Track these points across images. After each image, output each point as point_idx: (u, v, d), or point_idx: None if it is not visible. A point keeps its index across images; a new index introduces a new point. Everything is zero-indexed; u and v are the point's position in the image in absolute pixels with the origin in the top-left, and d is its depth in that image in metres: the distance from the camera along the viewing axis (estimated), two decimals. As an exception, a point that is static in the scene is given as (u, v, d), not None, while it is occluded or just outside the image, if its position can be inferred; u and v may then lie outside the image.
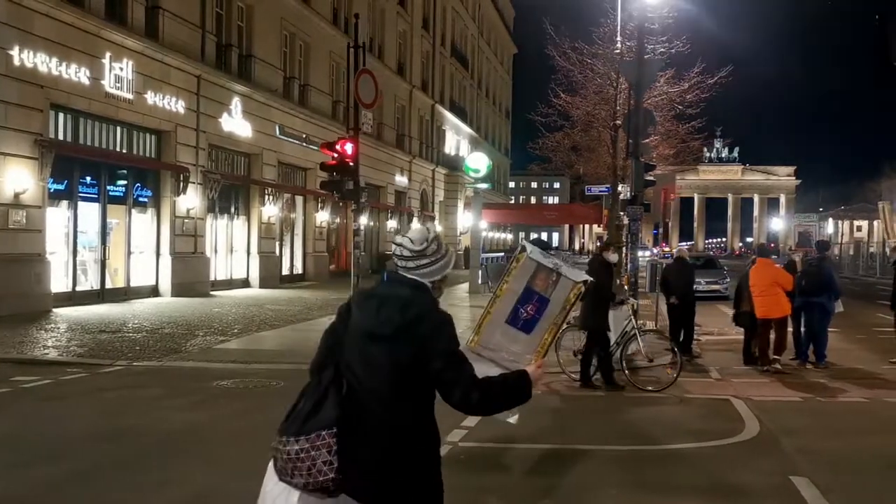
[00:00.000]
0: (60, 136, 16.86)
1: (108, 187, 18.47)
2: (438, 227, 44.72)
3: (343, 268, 29.67)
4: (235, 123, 22.99)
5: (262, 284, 24.48)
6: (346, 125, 13.02)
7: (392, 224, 37.96)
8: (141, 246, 19.81)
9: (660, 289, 13.60)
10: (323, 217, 29.52)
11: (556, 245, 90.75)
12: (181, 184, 20.30)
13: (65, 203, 17.25)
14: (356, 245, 12.08)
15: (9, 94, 14.92)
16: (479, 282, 24.61)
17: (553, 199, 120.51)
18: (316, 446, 2.61)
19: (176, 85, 20.08)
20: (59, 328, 13.65)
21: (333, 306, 18.73)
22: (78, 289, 17.46)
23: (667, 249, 46.20)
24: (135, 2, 18.82)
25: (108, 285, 18.50)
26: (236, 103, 22.93)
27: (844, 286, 15.14)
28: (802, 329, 11.92)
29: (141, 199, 19.88)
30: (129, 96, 18.19)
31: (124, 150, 19.03)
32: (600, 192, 26.33)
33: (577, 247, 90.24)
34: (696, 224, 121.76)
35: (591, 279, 3.17)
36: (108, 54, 17.42)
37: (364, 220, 31.52)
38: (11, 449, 6.50)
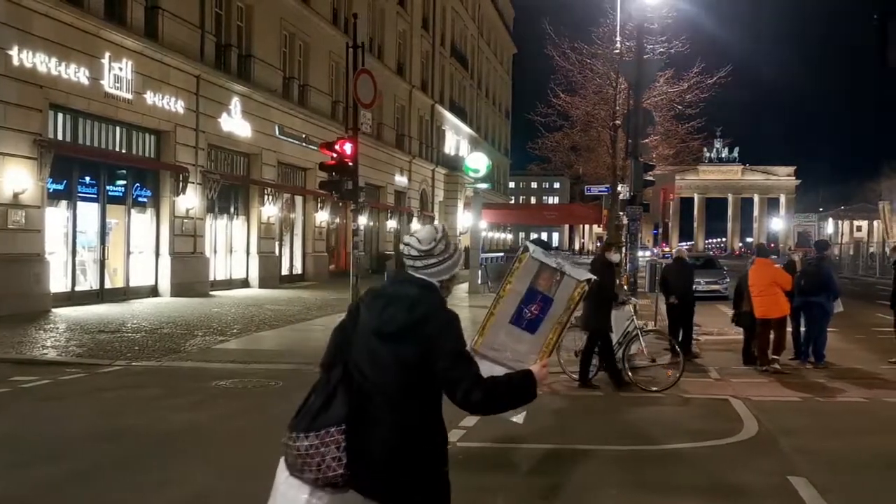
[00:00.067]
0: (60, 136, 16.86)
1: (108, 187, 18.47)
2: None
3: (343, 268, 29.69)
4: (235, 123, 22.99)
5: (262, 284, 24.48)
6: (345, 125, 13.01)
7: (392, 224, 37.97)
8: (140, 246, 19.81)
9: (659, 289, 13.60)
10: (322, 217, 29.52)
11: (556, 245, 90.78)
12: (180, 184, 20.30)
13: (64, 203, 17.25)
14: (355, 245, 12.07)
15: (8, 94, 14.92)
16: (479, 282, 24.61)
17: (553, 200, 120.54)
18: (325, 442, 2.65)
19: (175, 85, 20.08)
20: (58, 328, 13.65)
21: (333, 306, 18.83)
22: (77, 289, 17.46)
23: (666, 249, 46.21)
24: (134, 2, 18.82)
25: (108, 285, 18.50)
26: (236, 103, 22.93)
27: (844, 286, 15.17)
28: (802, 329, 11.93)
29: (140, 199, 19.88)
30: (129, 96, 18.19)
31: (123, 150, 19.03)
32: (600, 192, 26.35)
33: (577, 247, 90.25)
34: (696, 224, 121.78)
35: (595, 277, 3.17)
36: (107, 54, 17.42)
37: (363, 220, 31.54)
38: (10, 449, 6.50)
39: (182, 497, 5.47)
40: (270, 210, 25.32)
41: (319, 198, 27.89)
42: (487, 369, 2.84)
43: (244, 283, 24.35)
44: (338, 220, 31.01)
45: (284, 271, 27.38)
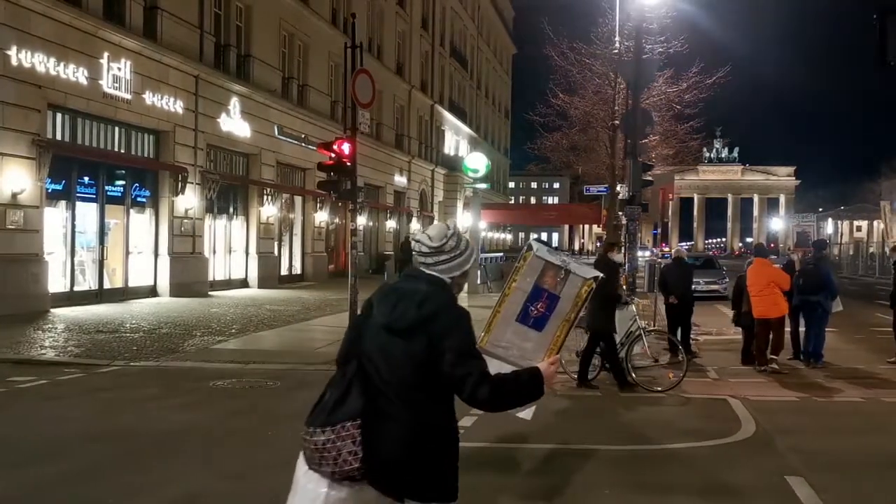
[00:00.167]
0: (58, 136, 16.84)
1: (107, 187, 18.46)
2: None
3: (342, 268, 29.68)
4: (234, 123, 22.98)
5: (261, 285, 24.46)
6: (343, 125, 12.99)
7: (391, 224, 37.94)
8: (139, 246, 19.79)
9: (658, 289, 13.60)
10: (322, 217, 29.51)
11: (556, 245, 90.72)
12: (179, 184, 20.29)
13: (63, 203, 17.23)
14: (353, 245, 12.06)
15: (6, 94, 14.90)
16: (478, 282, 24.59)
17: (553, 200, 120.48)
18: (341, 437, 2.69)
19: (174, 85, 20.07)
20: (56, 328, 13.65)
21: (332, 307, 18.81)
22: (76, 289, 17.44)
23: (666, 249, 46.24)
24: (133, 2, 18.81)
25: (106, 285, 18.48)
26: (235, 103, 22.92)
27: (844, 286, 15.20)
28: (801, 329, 11.92)
29: (139, 199, 19.87)
30: (128, 96, 18.18)
31: (122, 151, 19.02)
32: (599, 192, 26.36)
33: (576, 247, 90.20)
34: (695, 224, 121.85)
35: (602, 275, 3.17)
36: (106, 54, 17.41)
37: (363, 220, 31.57)
38: (7, 449, 6.49)
39: (178, 497, 5.46)
40: (270, 210, 25.30)
41: (319, 198, 27.87)
42: (496, 367, 2.86)
43: (243, 284, 24.33)
44: (337, 220, 30.99)
45: (284, 271, 27.36)
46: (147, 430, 7.26)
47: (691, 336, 12.78)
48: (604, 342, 9.68)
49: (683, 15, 23.50)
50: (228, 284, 23.55)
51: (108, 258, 18.53)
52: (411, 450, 2.71)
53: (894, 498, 5.77)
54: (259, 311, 17.43)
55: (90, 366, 10.51)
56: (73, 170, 17.22)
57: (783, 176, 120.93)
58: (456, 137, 51.22)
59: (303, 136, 27.14)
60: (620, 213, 18.62)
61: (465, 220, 42.02)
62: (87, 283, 18.03)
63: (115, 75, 17.73)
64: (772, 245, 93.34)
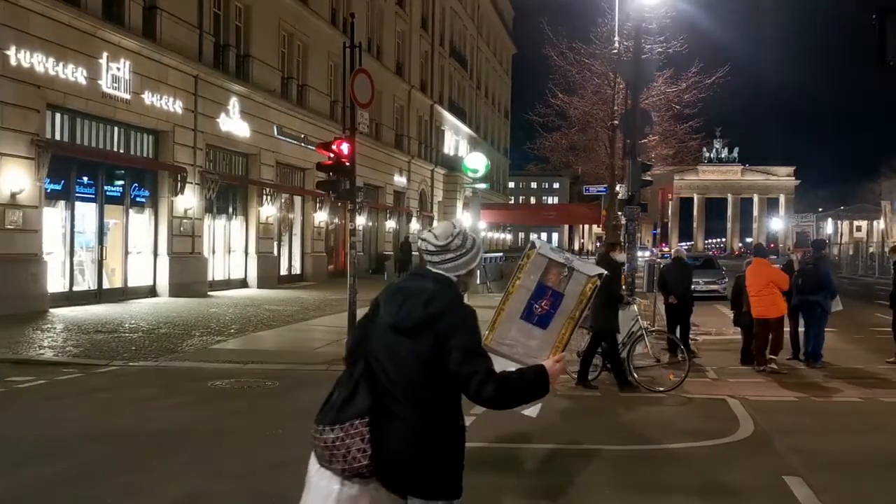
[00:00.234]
0: (57, 136, 16.83)
1: (106, 187, 18.45)
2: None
3: (342, 268, 29.67)
4: (233, 123, 22.97)
5: (260, 285, 24.45)
6: (342, 125, 12.97)
7: (391, 224, 37.93)
8: (138, 246, 19.78)
9: (657, 288, 13.60)
10: (321, 217, 29.49)
11: (556, 245, 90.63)
12: (179, 184, 20.28)
13: (62, 203, 17.22)
14: (352, 245, 12.04)
15: (5, 94, 14.89)
16: (478, 282, 24.57)
17: (553, 200, 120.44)
18: (350, 434, 2.72)
19: (173, 85, 20.06)
20: (55, 328, 13.64)
21: (331, 307, 18.79)
22: (75, 289, 17.43)
23: (666, 250, 46.24)
24: (132, 2, 18.79)
25: (106, 285, 18.47)
26: (234, 103, 22.90)
27: (843, 286, 15.21)
28: (801, 329, 11.92)
29: (138, 199, 19.86)
30: (127, 96, 18.17)
31: (122, 151, 19.01)
32: (598, 192, 26.34)
33: (576, 247, 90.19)
34: (695, 224, 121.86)
35: (606, 272, 3.17)
36: (105, 54, 17.40)
37: (362, 220, 31.55)
38: (5, 449, 6.49)
39: (177, 497, 5.46)
40: (269, 210, 25.29)
41: (318, 198, 27.85)
42: (501, 365, 2.87)
43: (242, 284, 24.32)
44: (337, 220, 30.97)
45: (283, 271, 27.34)
46: (145, 430, 7.26)
47: (690, 336, 12.78)
48: (606, 342, 9.67)
49: (683, 15, 23.50)
50: (228, 284, 23.54)
51: (107, 258, 18.52)
52: (417, 448, 2.73)
53: (893, 498, 5.77)
54: (258, 311, 17.42)
55: (89, 366, 10.51)
56: (72, 170, 17.21)
57: (783, 176, 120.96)
58: (455, 137, 51.21)
59: (302, 136, 27.13)
60: (620, 213, 18.60)
61: (464, 220, 42.00)
62: (86, 283, 18.02)
63: (115, 75, 17.71)
64: (771, 245, 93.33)
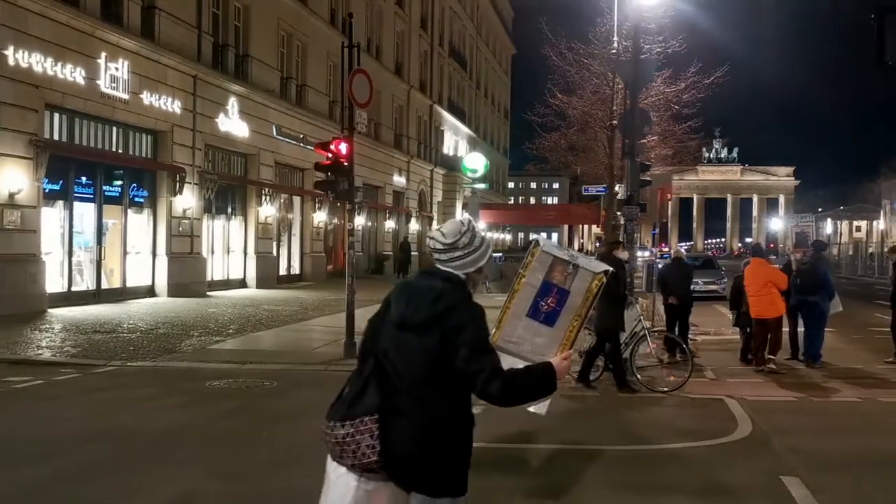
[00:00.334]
0: (56, 137, 16.81)
1: (104, 187, 18.44)
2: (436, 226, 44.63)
3: (341, 268, 29.61)
4: (232, 124, 22.95)
5: (259, 285, 24.43)
6: (341, 125, 12.97)
7: (390, 224, 37.91)
8: (137, 246, 19.78)
9: (657, 288, 13.58)
10: (320, 217, 29.48)
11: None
12: (177, 184, 20.27)
13: (60, 203, 17.21)
14: (351, 245, 12.03)
15: (3, 93, 14.87)
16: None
17: (552, 200, 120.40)
18: (360, 430, 2.75)
19: (172, 85, 20.04)
20: (53, 328, 13.63)
21: (330, 307, 18.78)
22: (73, 289, 17.42)
23: (665, 250, 46.25)
24: (130, 1, 18.77)
25: (104, 286, 18.46)
26: (233, 103, 22.89)
27: (843, 286, 15.21)
28: (800, 329, 11.90)
29: (137, 199, 19.85)
30: (125, 96, 18.16)
31: (120, 151, 19.00)
32: (597, 192, 26.32)
33: (576, 247, 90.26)
34: (695, 224, 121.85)
35: (611, 269, 3.17)
36: (103, 54, 17.38)
37: (361, 220, 31.53)
38: (3, 449, 6.48)
39: (175, 497, 5.46)
40: (268, 210, 25.28)
41: (317, 198, 27.83)
42: (509, 363, 2.88)
43: (241, 284, 24.30)
44: (336, 220, 30.96)
45: (282, 272, 27.33)
46: (143, 430, 7.25)
47: (689, 336, 12.77)
48: (609, 342, 9.63)
49: (682, 15, 23.46)
50: (226, 284, 23.52)
51: (105, 258, 18.51)
52: (421, 445, 2.75)
53: (891, 498, 5.76)
54: (257, 312, 17.41)
55: (87, 366, 10.49)
56: (70, 170, 17.20)
57: (782, 176, 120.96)
58: (455, 137, 51.20)
59: (301, 136, 27.13)
60: (619, 213, 18.60)
61: (457, 219, 41.94)
62: (84, 283, 18.01)
63: (113, 75, 17.70)
64: (771, 245, 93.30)
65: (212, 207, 22.77)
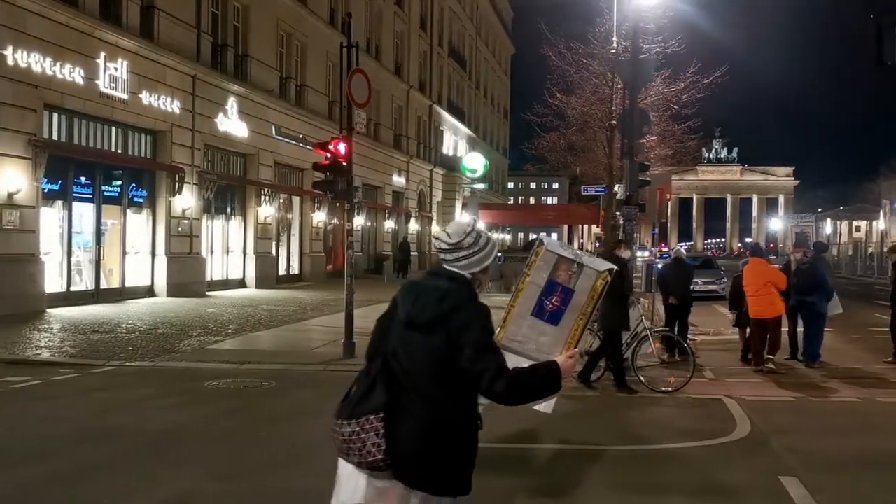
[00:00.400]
0: (55, 136, 16.80)
1: (103, 187, 18.43)
2: (436, 228, 44.65)
3: (340, 268, 29.56)
4: (231, 124, 22.94)
5: (259, 285, 24.42)
6: (340, 125, 12.97)
7: (390, 224, 37.90)
8: (136, 246, 19.77)
9: (656, 288, 13.57)
10: (320, 217, 29.47)
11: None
12: (177, 184, 20.26)
13: (59, 203, 17.20)
14: (350, 245, 12.01)
15: (2, 93, 14.86)
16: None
17: (552, 200, 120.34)
18: (365, 429, 2.78)
19: (171, 85, 20.03)
20: (52, 328, 13.62)
21: (329, 307, 18.78)
22: (72, 289, 17.40)
23: (664, 250, 46.27)
24: (129, 1, 18.76)
25: (103, 286, 18.45)
26: (232, 103, 22.88)
27: (842, 286, 15.19)
28: (799, 329, 11.89)
29: (136, 199, 19.84)
30: (124, 96, 18.15)
31: (119, 151, 18.99)
32: (597, 192, 26.31)
33: (575, 246, 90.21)
34: (695, 224, 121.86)
35: (616, 267, 3.17)
36: (102, 54, 17.37)
37: (361, 220, 31.51)
38: (1, 449, 6.47)
39: (172, 497, 5.45)
40: (267, 210, 25.27)
41: (316, 198, 27.82)
42: (514, 362, 2.90)
43: (241, 284, 24.30)
44: (335, 220, 30.93)
45: (281, 272, 27.32)
46: (142, 430, 7.24)
47: (688, 336, 12.77)
48: (611, 341, 9.62)
49: (681, 15, 23.46)
50: (226, 284, 23.52)
51: (104, 258, 18.50)
52: (425, 444, 2.78)
53: (889, 498, 5.76)
54: (256, 312, 17.40)
55: (85, 366, 10.48)
56: (69, 170, 17.18)
57: (782, 176, 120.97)
58: (454, 137, 51.19)
59: (300, 136, 27.12)
60: (618, 213, 18.60)
61: (463, 220, 41.88)
62: (83, 283, 18.00)
63: (112, 75, 17.69)
64: (770, 245, 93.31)
65: (211, 207, 22.76)
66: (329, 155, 11.57)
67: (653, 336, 10.15)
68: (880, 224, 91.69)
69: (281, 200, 27.11)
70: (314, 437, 6.94)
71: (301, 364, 10.97)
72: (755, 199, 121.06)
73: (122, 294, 18.90)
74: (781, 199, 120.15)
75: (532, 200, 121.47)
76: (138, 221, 19.92)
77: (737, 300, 11.96)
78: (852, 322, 16.09)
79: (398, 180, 38.67)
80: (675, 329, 12.16)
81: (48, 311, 15.59)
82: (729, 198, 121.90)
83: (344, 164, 11.54)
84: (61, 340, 12.39)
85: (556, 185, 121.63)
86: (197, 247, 21.56)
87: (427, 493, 2.81)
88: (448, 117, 48.70)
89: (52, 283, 16.59)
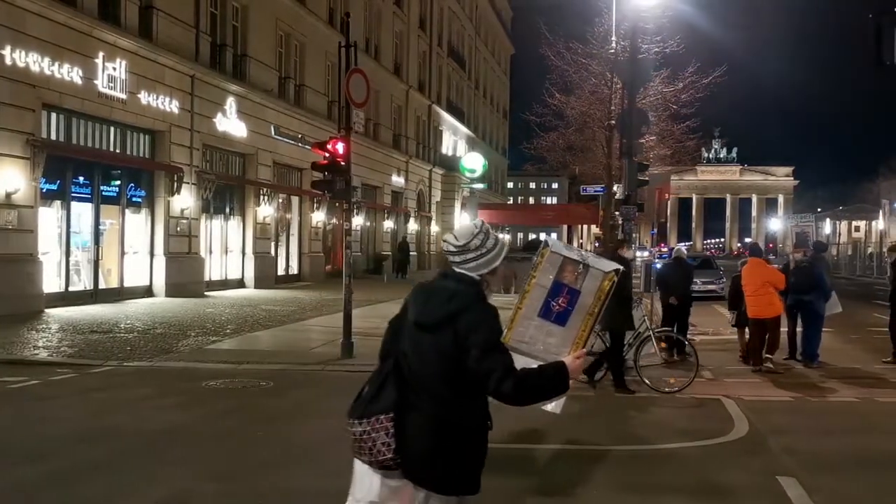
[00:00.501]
0: (53, 136, 16.78)
1: (102, 187, 18.41)
2: (435, 228, 44.66)
3: (339, 268, 29.53)
4: (230, 123, 22.93)
5: (258, 285, 24.41)
6: (338, 125, 12.97)
7: (389, 224, 37.89)
8: (135, 246, 19.75)
9: (654, 288, 13.55)
10: (319, 217, 29.46)
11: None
12: (175, 184, 20.24)
13: (57, 203, 17.18)
14: (348, 245, 12.00)
15: (1, 93, 14.84)
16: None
17: (551, 200, 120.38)
18: (375, 428, 2.84)
19: (170, 85, 20.02)
20: (50, 328, 13.60)
21: (328, 307, 18.77)
22: (71, 289, 17.39)
23: (664, 250, 46.26)
24: (128, 1, 18.74)
25: (102, 286, 18.44)
26: (231, 103, 22.87)
27: (842, 286, 15.17)
28: (798, 329, 11.88)
29: (135, 199, 19.82)
30: (123, 96, 18.13)
31: (118, 150, 18.97)
32: (596, 192, 26.29)
33: (575, 246, 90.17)
34: (694, 224, 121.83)
35: (622, 267, 3.18)
36: (101, 54, 17.36)
37: (360, 220, 31.50)
38: (-4, 449, 6.46)
39: (170, 497, 5.45)
40: (266, 210, 25.26)
41: (315, 198, 27.81)
42: (522, 363, 2.92)
43: (240, 284, 24.28)
44: (334, 220, 30.91)
45: (280, 272, 27.30)
46: (139, 430, 7.23)
47: (688, 336, 12.74)
48: (613, 341, 9.60)
49: (680, 14, 23.43)
50: (225, 284, 23.50)
51: (103, 258, 18.48)
52: (433, 444, 2.82)
53: (888, 498, 5.75)
54: (255, 312, 17.39)
55: (83, 366, 10.46)
56: (67, 170, 17.17)
57: (781, 176, 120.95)
58: (454, 137, 51.18)
59: (299, 136, 27.10)
60: (616, 212, 18.58)
61: (462, 220, 41.89)
62: (82, 283, 17.99)
63: (111, 75, 17.67)
64: (770, 245, 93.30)
65: (210, 207, 22.74)
66: (327, 154, 11.57)
67: (656, 336, 10.13)
68: (879, 224, 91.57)
69: (280, 200, 27.10)
70: (312, 437, 6.95)
71: (299, 364, 10.96)
72: (754, 199, 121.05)
73: (120, 294, 18.89)
74: (781, 199, 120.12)
75: (531, 200, 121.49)
76: (137, 221, 19.91)
77: (736, 300, 11.94)
78: (851, 322, 16.08)
79: (397, 180, 38.66)
80: (675, 329, 12.14)
81: (46, 311, 15.58)
82: (728, 198, 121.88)
83: (342, 163, 11.53)
84: (59, 340, 12.38)
85: (555, 185, 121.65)
86: (196, 247, 21.55)
87: (429, 492, 2.84)
88: (447, 117, 48.69)
89: (51, 282, 16.58)
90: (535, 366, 2.94)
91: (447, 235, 3.05)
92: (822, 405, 9.02)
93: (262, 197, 24.95)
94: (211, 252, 23.12)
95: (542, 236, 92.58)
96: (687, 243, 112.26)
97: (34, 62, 15.49)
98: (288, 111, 26.81)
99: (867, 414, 8.56)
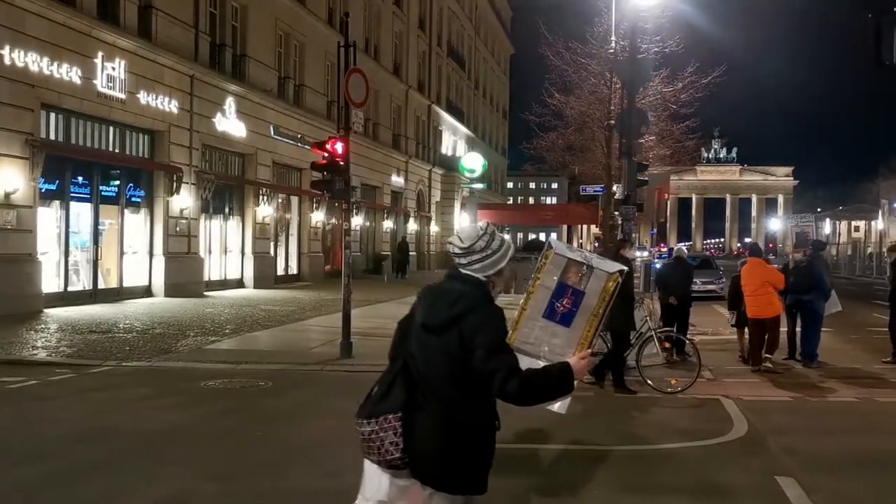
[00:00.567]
0: (52, 136, 16.77)
1: (101, 187, 18.40)
2: (435, 228, 44.66)
3: (338, 268, 29.55)
4: (229, 123, 22.91)
5: (257, 285, 24.40)
6: (337, 124, 12.98)
7: (388, 225, 37.89)
8: (134, 246, 19.74)
9: (653, 288, 13.54)
10: (318, 217, 29.45)
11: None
12: (174, 184, 20.23)
13: (56, 203, 17.17)
14: (347, 245, 12.00)
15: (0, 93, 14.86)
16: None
17: (551, 200, 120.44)
18: (384, 428, 2.87)
19: (169, 85, 20.01)
20: (49, 328, 13.59)
21: (328, 307, 18.76)
22: (70, 289, 17.38)
23: (664, 250, 46.29)
24: (127, 1, 18.72)
25: (101, 286, 18.42)
26: (230, 103, 22.86)
27: (841, 286, 15.16)
28: (798, 329, 11.87)
29: (134, 199, 19.81)
30: (122, 96, 18.12)
31: (117, 150, 18.96)
32: (595, 192, 26.28)
33: (575, 246, 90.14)
34: (694, 224, 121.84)
35: (626, 268, 3.19)
36: (100, 54, 17.35)
37: (359, 220, 31.50)
38: (-6, 450, 6.45)
39: (168, 497, 5.44)
40: (265, 210, 25.25)
41: (315, 198, 27.81)
42: (527, 363, 2.94)
43: (239, 284, 24.27)
44: (333, 220, 30.92)
45: (280, 272, 27.29)
46: (138, 430, 7.22)
47: (687, 336, 12.73)
48: (616, 342, 9.59)
49: (679, 14, 23.40)
50: (224, 285, 23.49)
51: (102, 258, 18.47)
52: (441, 444, 2.84)
53: (887, 499, 5.75)
54: (254, 312, 17.38)
55: (82, 366, 10.45)
56: (66, 170, 17.15)
57: (781, 176, 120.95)
58: (453, 137, 51.18)
59: (299, 136, 27.09)
60: (616, 212, 18.58)
61: (462, 220, 41.92)
62: (81, 283, 17.97)
63: (110, 75, 17.66)
64: (770, 245, 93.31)
65: (209, 207, 22.73)
66: (326, 154, 11.56)
67: (657, 337, 10.13)
68: (879, 224, 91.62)
69: (279, 200, 27.09)
70: (311, 437, 6.94)
71: (298, 364, 10.95)
72: (754, 199, 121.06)
73: (119, 294, 18.88)
74: (781, 199, 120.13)
75: (531, 200, 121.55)
76: (136, 221, 19.90)
77: (735, 300, 11.93)
78: (851, 322, 16.09)
79: (397, 180, 38.65)
80: (675, 329, 12.13)
81: (45, 311, 15.57)
82: (728, 198, 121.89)
83: (341, 163, 11.53)
84: (58, 340, 12.37)
85: (554, 185, 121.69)
86: (195, 247, 21.54)
87: (433, 490, 2.85)
88: (447, 117, 48.69)
89: (49, 282, 16.57)
90: (539, 366, 2.96)
91: (452, 237, 3.06)
92: (822, 405, 9.01)
93: (261, 197, 24.94)
94: (210, 252, 23.10)
95: (542, 236, 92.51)
96: (687, 243, 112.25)
97: (33, 62, 15.48)
98: (287, 111, 26.80)
99: (867, 414, 8.55)
